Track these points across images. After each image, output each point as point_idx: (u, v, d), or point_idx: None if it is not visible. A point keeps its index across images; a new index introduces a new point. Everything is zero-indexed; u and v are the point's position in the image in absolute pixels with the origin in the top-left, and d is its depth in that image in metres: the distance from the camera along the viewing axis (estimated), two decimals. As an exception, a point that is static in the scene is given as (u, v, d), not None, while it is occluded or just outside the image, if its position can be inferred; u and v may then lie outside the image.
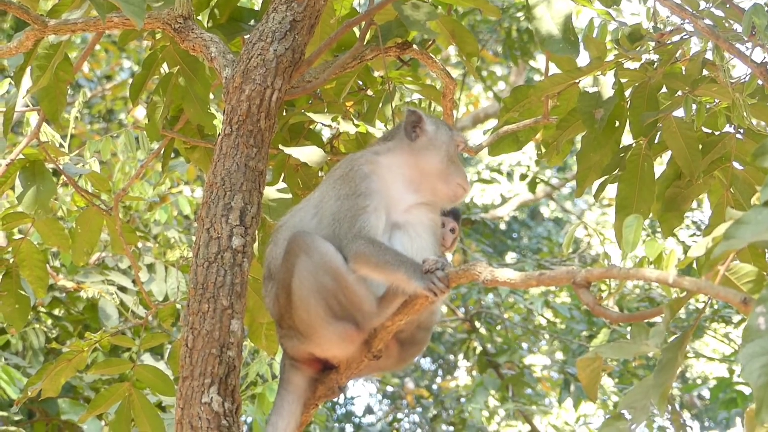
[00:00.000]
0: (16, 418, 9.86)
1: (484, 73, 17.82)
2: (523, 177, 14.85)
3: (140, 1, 4.01)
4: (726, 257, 2.55)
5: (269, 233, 6.04)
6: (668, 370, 2.63)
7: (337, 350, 4.56)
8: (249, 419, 10.18)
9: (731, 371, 14.02)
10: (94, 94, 16.16)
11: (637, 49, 5.43)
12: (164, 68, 6.15)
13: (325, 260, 4.39)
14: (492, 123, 15.82)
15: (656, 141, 5.55)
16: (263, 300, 6.18)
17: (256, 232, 4.67)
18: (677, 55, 5.56)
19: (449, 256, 4.66)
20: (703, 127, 5.58)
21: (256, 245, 5.74)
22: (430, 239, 4.60)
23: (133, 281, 9.85)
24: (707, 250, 2.55)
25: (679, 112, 5.42)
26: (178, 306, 8.03)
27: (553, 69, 5.78)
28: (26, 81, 5.82)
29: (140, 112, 13.05)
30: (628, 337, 2.99)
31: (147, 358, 9.60)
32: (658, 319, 2.96)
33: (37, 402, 9.53)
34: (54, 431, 10.29)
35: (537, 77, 17.54)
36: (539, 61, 16.46)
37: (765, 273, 2.72)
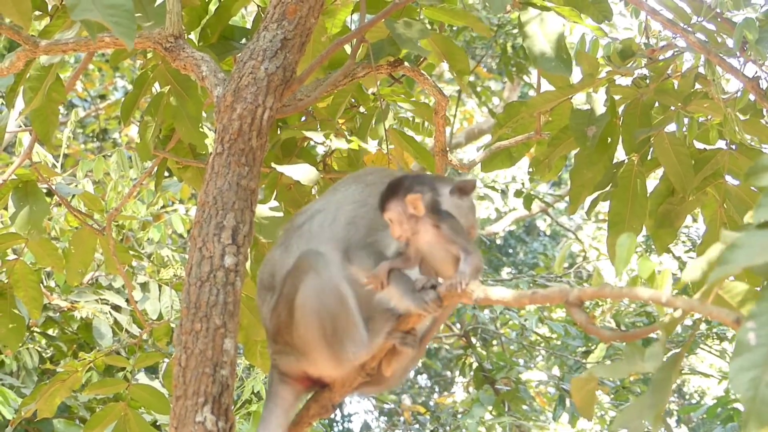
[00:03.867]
0: (12, 438, 9.84)
1: (479, 89, 17.82)
2: (518, 193, 14.82)
3: (130, 21, 3.97)
4: (722, 281, 2.56)
5: (262, 252, 6.03)
6: (662, 389, 2.63)
7: (331, 371, 4.54)
8: (245, 437, 10.15)
9: (727, 390, 13.98)
10: (87, 114, 16.15)
11: (629, 65, 5.43)
12: (156, 87, 6.14)
13: (334, 283, 4.37)
14: (486, 139, 15.81)
15: (649, 157, 5.56)
16: (258, 318, 6.19)
17: (249, 250, 4.65)
18: (669, 70, 5.57)
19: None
20: (695, 143, 5.58)
21: (248, 264, 5.73)
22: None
23: (127, 300, 9.82)
24: (703, 273, 2.54)
25: (672, 128, 5.42)
26: (172, 325, 8.02)
27: (546, 85, 5.79)
28: (18, 102, 5.82)
29: (134, 131, 13.04)
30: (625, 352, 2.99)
31: (142, 377, 9.57)
32: (653, 335, 2.96)
33: (33, 423, 9.51)
34: (49, 452, 10.25)
35: (531, 93, 17.55)
36: (534, 77, 16.46)
37: (757, 288, 2.72)
